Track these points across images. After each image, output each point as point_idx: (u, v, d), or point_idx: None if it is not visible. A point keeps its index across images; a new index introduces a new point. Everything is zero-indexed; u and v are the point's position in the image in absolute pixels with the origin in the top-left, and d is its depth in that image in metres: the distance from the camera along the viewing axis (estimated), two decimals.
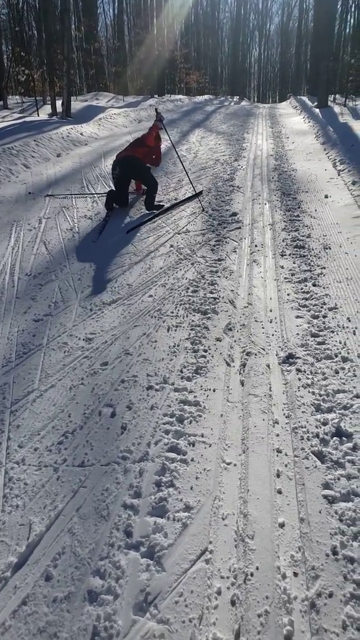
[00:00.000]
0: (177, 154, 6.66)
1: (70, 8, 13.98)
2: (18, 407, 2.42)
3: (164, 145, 7.89)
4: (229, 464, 2.02)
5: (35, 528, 1.76)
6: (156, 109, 6.55)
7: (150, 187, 5.43)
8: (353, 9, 26.68)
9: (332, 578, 1.53)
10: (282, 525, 1.72)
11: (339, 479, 1.91)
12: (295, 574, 1.55)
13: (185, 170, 6.45)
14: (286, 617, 1.43)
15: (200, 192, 5.95)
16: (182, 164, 6.61)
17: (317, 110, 13.89)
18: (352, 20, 27.13)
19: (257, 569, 1.56)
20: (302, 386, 2.47)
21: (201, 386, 2.50)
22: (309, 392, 2.43)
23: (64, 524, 1.77)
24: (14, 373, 2.69)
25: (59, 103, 12.26)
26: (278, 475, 1.94)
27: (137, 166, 5.50)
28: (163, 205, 5.47)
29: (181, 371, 2.63)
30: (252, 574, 1.55)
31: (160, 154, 6.32)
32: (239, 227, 4.84)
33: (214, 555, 1.63)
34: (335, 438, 2.11)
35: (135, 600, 1.49)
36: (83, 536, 1.72)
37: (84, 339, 2.99)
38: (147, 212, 5.36)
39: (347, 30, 27.27)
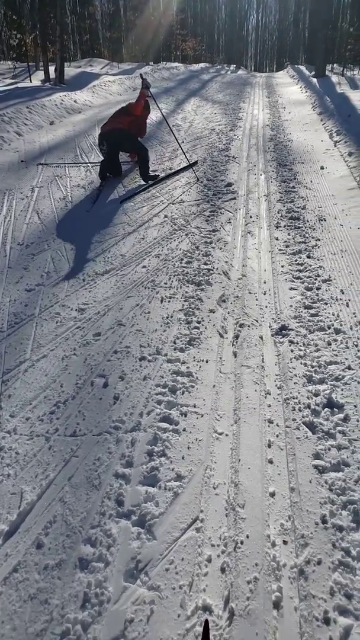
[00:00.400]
0: (169, 126, 6.44)
1: None
2: (10, 377, 2.40)
3: (156, 115, 7.68)
4: (220, 434, 2.02)
5: (27, 497, 1.76)
6: (141, 75, 6.22)
7: (141, 156, 5.27)
8: None
9: (321, 546, 1.54)
10: (272, 495, 1.73)
11: (329, 449, 1.91)
12: (285, 542, 1.56)
13: (179, 143, 6.28)
14: (275, 583, 1.45)
15: (195, 162, 5.81)
16: (175, 136, 6.42)
17: (314, 79, 13.58)
18: None
19: (248, 537, 1.57)
20: (295, 358, 2.46)
21: (194, 357, 2.48)
22: (301, 363, 2.42)
23: (55, 493, 1.77)
24: (5, 343, 2.65)
25: (52, 69, 11.87)
26: (269, 446, 1.94)
27: (124, 138, 5.34)
28: (158, 176, 5.34)
29: (174, 342, 2.60)
30: (242, 542, 1.56)
31: (145, 126, 6.05)
32: (234, 198, 4.75)
33: (204, 524, 1.63)
34: (326, 409, 2.11)
35: (126, 567, 1.50)
36: (74, 505, 1.72)
37: (76, 310, 2.95)
38: (143, 182, 5.23)
39: None
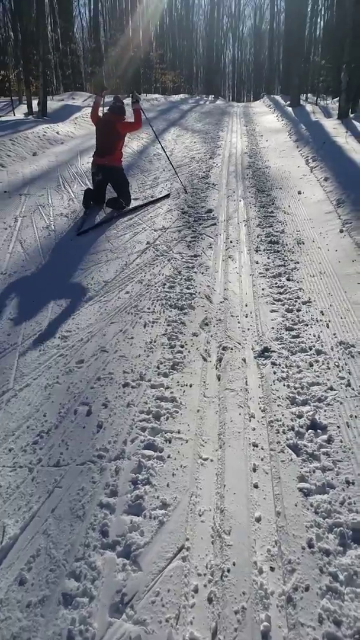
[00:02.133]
0: (163, 151, 6.53)
1: (46, 10, 13.79)
2: None
3: (137, 144, 7.82)
4: (205, 459, 2.00)
5: (9, 531, 1.71)
6: (133, 92, 6.08)
7: (123, 199, 5.37)
8: (322, 12, 27.04)
9: (308, 571, 1.53)
10: (258, 520, 1.72)
11: (314, 471, 1.91)
12: (272, 569, 1.54)
13: (173, 166, 6.40)
14: (263, 612, 1.42)
15: (168, 195, 5.85)
16: (169, 159, 6.55)
17: (289, 108, 14.05)
18: (321, 23, 27.46)
19: (234, 564, 1.55)
20: (278, 379, 2.48)
21: (178, 382, 2.48)
22: (284, 385, 2.43)
23: (38, 525, 1.73)
24: None
25: (35, 102, 12.09)
26: (254, 470, 1.94)
27: (119, 179, 5.45)
28: (124, 207, 5.39)
29: (158, 367, 2.60)
30: (229, 570, 1.53)
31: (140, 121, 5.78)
32: (215, 224, 4.84)
33: (190, 552, 1.61)
34: (310, 430, 2.12)
35: (111, 601, 1.46)
36: (58, 537, 1.68)
37: (59, 337, 2.94)
38: (114, 211, 5.31)
39: (317, 32, 27.62)
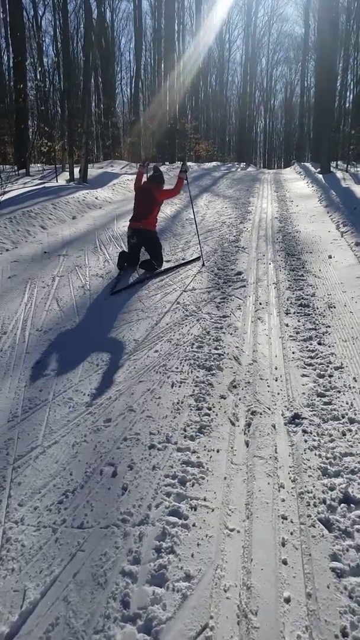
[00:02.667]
0: (193, 210, 6.81)
1: (92, 89, 15.17)
2: (21, 463, 2.38)
3: (170, 209, 8.19)
4: (232, 530, 1.94)
5: (30, 595, 1.68)
6: (183, 162, 6.55)
7: (156, 262, 5.60)
8: (352, 87, 28.67)
9: None
10: (287, 601, 1.63)
11: (347, 549, 1.81)
12: None
13: (198, 233, 6.64)
14: None
15: (199, 258, 6.02)
16: (195, 218, 6.81)
17: (320, 175, 14.49)
18: (350, 96, 29.16)
19: None
20: (309, 448, 2.42)
21: (204, 446, 2.45)
22: (315, 454, 2.37)
23: (59, 591, 1.69)
24: (19, 428, 2.67)
25: (76, 170, 12.98)
26: (283, 544, 1.86)
27: (153, 242, 5.72)
28: (156, 268, 5.59)
29: (184, 430, 2.59)
30: None
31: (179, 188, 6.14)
32: (244, 286, 4.93)
33: (215, 632, 1.53)
34: (343, 504, 2.03)
35: None
36: (78, 605, 1.63)
37: (88, 395, 2.98)
38: (146, 272, 5.51)
39: (347, 105, 29.29)
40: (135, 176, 5.99)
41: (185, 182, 6.02)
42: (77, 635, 1.53)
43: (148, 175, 6.18)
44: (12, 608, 1.64)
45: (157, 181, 5.96)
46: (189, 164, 21.66)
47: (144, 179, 6.15)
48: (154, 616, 1.57)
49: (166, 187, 6.17)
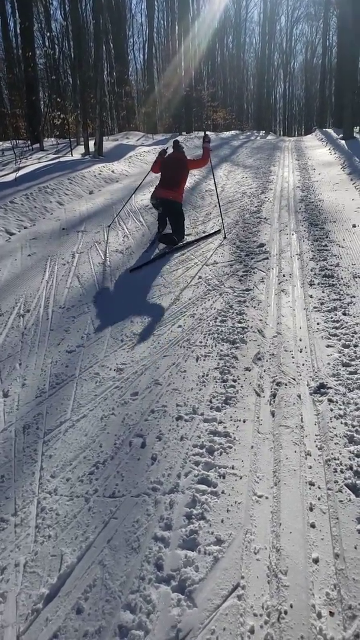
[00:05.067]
0: (214, 181, 6.77)
1: (103, 56, 14.76)
2: (51, 437, 2.46)
3: (189, 181, 8.07)
4: (260, 496, 1.99)
5: (67, 559, 1.77)
6: (205, 133, 6.55)
7: (177, 235, 5.56)
8: None
9: None
10: (316, 561, 1.67)
11: None
12: (332, 613, 1.50)
13: (219, 205, 6.56)
14: None
15: (218, 231, 5.96)
16: (216, 189, 6.72)
17: (342, 142, 14.02)
18: None
19: (291, 606, 1.52)
20: (335, 417, 2.43)
21: (231, 417, 2.49)
22: (341, 423, 2.38)
23: (95, 555, 1.77)
24: (47, 403, 2.75)
25: (91, 143, 12.83)
26: (311, 509, 1.90)
27: (178, 214, 5.71)
28: (177, 242, 5.55)
29: (210, 401, 2.63)
30: (286, 612, 1.50)
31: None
32: (267, 258, 4.87)
33: (246, 591, 1.59)
34: None
35: (166, 636, 1.47)
36: (114, 568, 1.71)
37: (115, 370, 3.04)
38: (162, 244, 5.52)
39: None
40: (153, 162, 6.11)
41: (211, 150, 6.04)
42: (114, 595, 1.61)
43: (168, 151, 6.19)
44: (50, 572, 1.73)
45: (184, 153, 6.06)
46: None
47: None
48: (187, 577, 1.64)
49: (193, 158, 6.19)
